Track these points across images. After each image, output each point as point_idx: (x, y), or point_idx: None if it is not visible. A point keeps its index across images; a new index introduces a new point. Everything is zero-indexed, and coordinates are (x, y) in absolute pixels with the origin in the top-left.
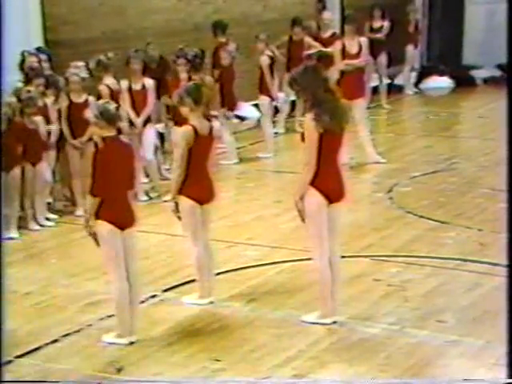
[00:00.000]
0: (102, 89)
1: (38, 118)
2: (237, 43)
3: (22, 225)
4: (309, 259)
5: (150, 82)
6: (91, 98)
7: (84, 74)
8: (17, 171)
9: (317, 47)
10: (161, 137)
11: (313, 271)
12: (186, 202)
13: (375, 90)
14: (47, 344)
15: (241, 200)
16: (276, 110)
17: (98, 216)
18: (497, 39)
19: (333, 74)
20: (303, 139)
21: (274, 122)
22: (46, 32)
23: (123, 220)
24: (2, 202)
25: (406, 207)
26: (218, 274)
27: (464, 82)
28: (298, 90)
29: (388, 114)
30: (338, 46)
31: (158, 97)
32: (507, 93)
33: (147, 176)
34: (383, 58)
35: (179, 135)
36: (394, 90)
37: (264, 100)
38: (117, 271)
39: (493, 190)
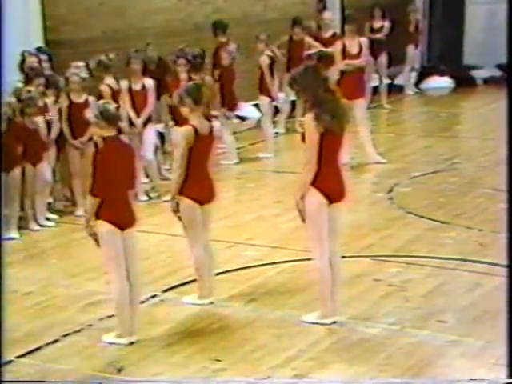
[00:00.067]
0: (104, 89)
1: (39, 118)
2: (237, 43)
3: (22, 225)
4: (309, 259)
5: (150, 82)
6: (91, 98)
7: (84, 74)
8: (17, 171)
9: (317, 47)
10: (161, 137)
11: (313, 271)
12: (186, 202)
13: (375, 90)
14: (47, 344)
15: (241, 200)
16: (276, 110)
17: (98, 216)
18: (497, 39)
19: (333, 74)
20: (304, 139)
21: (274, 122)
22: (47, 32)
23: (123, 220)
24: (2, 202)
25: (406, 207)
26: (219, 274)
27: (464, 82)
28: (299, 90)
29: (388, 114)
30: (338, 46)
31: (158, 97)
32: (507, 93)
33: (147, 176)
34: (383, 58)
35: (179, 135)
36: (395, 90)
37: (264, 100)
38: (117, 271)
39: (493, 190)
